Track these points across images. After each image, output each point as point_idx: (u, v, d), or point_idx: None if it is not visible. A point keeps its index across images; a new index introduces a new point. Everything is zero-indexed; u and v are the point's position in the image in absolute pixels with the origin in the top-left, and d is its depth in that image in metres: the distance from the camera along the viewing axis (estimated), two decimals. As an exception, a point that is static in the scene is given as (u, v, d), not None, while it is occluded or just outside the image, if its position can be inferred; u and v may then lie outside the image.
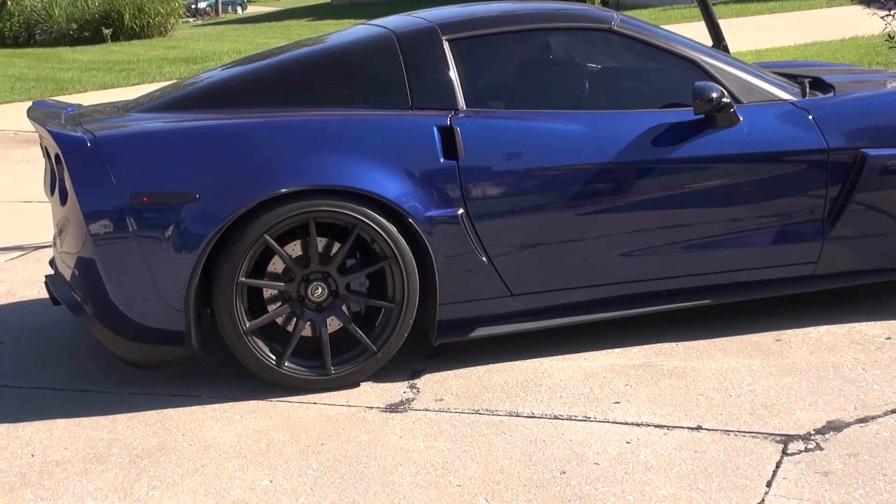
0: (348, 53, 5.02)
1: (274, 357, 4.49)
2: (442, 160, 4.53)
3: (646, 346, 4.87)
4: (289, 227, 4.40)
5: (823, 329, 4.99)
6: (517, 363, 4.75)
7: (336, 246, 4.54)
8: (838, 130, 4.92)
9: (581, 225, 4.69)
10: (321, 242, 4.53)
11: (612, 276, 4.80)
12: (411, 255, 4.48)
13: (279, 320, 4.59)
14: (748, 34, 16.90)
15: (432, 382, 4.59)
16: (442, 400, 4.40)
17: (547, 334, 4.98)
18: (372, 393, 4.51)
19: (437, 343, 4.68)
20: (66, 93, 15.79)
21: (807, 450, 3.81)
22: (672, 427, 4.05)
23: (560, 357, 4.79)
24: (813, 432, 3.95)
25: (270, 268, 4.54)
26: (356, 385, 4.57)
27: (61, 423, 4.35)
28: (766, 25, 18.11)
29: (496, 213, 4.61)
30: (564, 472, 3.72)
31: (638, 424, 4.08)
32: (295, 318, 4.55)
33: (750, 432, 3.97)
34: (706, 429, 4.02)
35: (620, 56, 5.24)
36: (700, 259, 4.86)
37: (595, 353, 4.83)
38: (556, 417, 4.18)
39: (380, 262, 4.49)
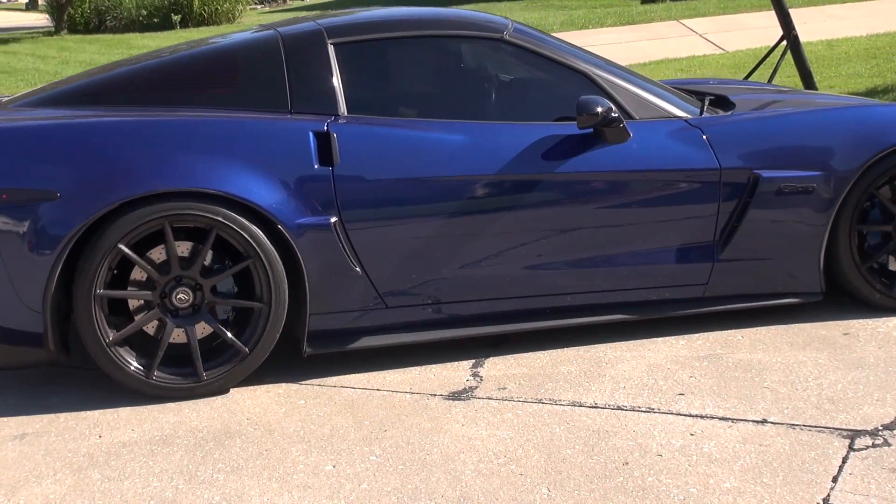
0: (232, 54, 4.93)
1: (142, 367, 4.38)
2: (316, 166, 4.42)
3: (711, 338, 4.83)
4: (153, 230, 4.30)
5: (893, 323, 4.92)
6: (581, 353, 4.73)
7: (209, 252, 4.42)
8: (732, 150, 4.81)
9: (460, 238, 4.58)
10: (189, 247, 4.41)
11: (492, 292, 4.69)
12: (276, 255, 4.37)
13: (148, 328, 4.45)
14: (819, 24, 16.67)
15: (495, 371, 4.59)
16: (505, 388, 4.40)
17: (610, 324, 4.96)
18: (435, 381, 4.52)
19: (306, 354, 4.54)
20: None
21: (874, 445, 3.76)
22: (737, 420, 4.01)
23: (624, 347, 4.77)
24: (881, 428, 3.89)
25: (134, 275, 4.41)
26: (225, 391, 4.47)
27: (128, 405, 4.41)
28: (838, 15, 17.83)
29: (371, 222, 4.49)
30: (627, 463, 3.71)
31: (702, 416, 4.05)
32: (162, 326, 4.41)
33: (816, 427, 3.92)
34: (771, 422, 3.98)
35: (512, 66, 5.08)
36: (585, 277, 4.75)
37: (659, 344, 4.80)
38: (619, 408, 4.16)
39: (243, 261, 4.38)
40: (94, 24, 28.55)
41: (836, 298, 5.16)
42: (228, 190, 4.28)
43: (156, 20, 27.67)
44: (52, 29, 28.38)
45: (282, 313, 4.44)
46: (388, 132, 4.59)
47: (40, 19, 34.61)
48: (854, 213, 4.90)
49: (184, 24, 27.25)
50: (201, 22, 27.63)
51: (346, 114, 4.61)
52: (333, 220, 4.42)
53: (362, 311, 4.57)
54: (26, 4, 52.23)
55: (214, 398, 4.42)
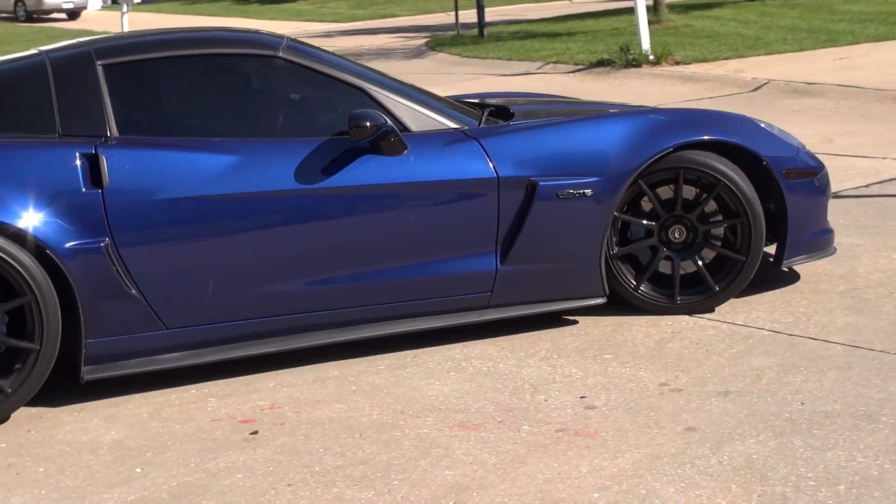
0: None
1: None
2: (85, 189, 4.40)
3: None
4: None
5: None
6: None
7: None
8: (508, 159, 4.87)
9: (239, 256, 4.58)
10: None
11: (278, 308, 4.68)
12: (54, 295, 4.30)
13: None
14: None
15: None
16: None
17: None
18: None
19: (84, 380, 4.43)
20: (837, 44, 15.66)
21: None
22: None
23: None
24: None
25: None
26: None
27: (831, 376, 4.35)
28: None
29: (144, 243, 4.47)
30: None
31: None
32: None
33: None
34: None
35: (289, 83, 5.06)
36: (370, 289, 4.78)
37: None
38: None
39: (18, 299, 4.28)
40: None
41: None
42: None
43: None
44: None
45: (52, 354, 4.36)
46: (159, 152, 4.58)
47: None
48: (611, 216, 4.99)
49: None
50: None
51: (116, 135, 4.58)
52: (104, 242, 4.38)
53: (141, 334, 4.52)
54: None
55: (922, 379, 4.23)
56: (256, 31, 5.38)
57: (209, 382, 4.68)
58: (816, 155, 5.64)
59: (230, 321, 4.65)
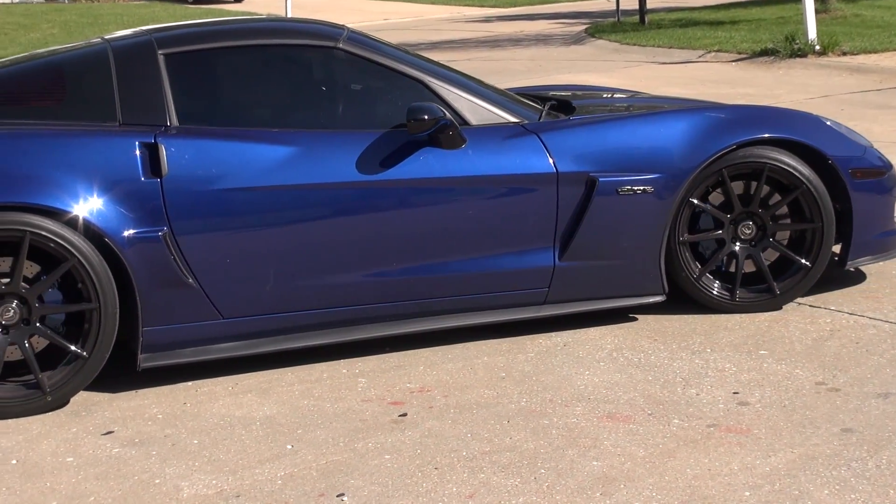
0: (61, 66, 4.92)
1: None
2: (144, 178, 4.42)
3: None
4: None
5: None
6: None
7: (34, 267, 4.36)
8: (568, 154, 4.81)
9: (296, 248, 4.58)
10: (10, 263, 4.31)
11: (330, 300, 4.68)
12: (97, 255, 4.30)
13: None
14: None
15: None
16: None
17: None
18: None
19: (141, 367, 4.47)
20: None
21: None
22: None
23: None
24: None
25: None
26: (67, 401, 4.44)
27: None
28: None
29: (203, 233, 4.48)
30: None
31: None
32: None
33: None
34: None
35: (349, 74, 5.03)
36: (424, 283, 4.76)
37: None
38: None
39: (64, 265, 4.29)
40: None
41: None
42: (50, 203, 4.28)
43: None
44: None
45: (114, 313, 4.39)
46: (218, 142, 4.57)
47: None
48: (680, 218, 4.96)
49: None
50: None
51: (176, 124, 4.59)
52: (162, 231, 4.41)
53: (197, 323, 4.55)
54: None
55: None
56: (318, 22, 5.37)
57: (360, 361, 4.74)
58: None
59: (286, 312, 4.66)
